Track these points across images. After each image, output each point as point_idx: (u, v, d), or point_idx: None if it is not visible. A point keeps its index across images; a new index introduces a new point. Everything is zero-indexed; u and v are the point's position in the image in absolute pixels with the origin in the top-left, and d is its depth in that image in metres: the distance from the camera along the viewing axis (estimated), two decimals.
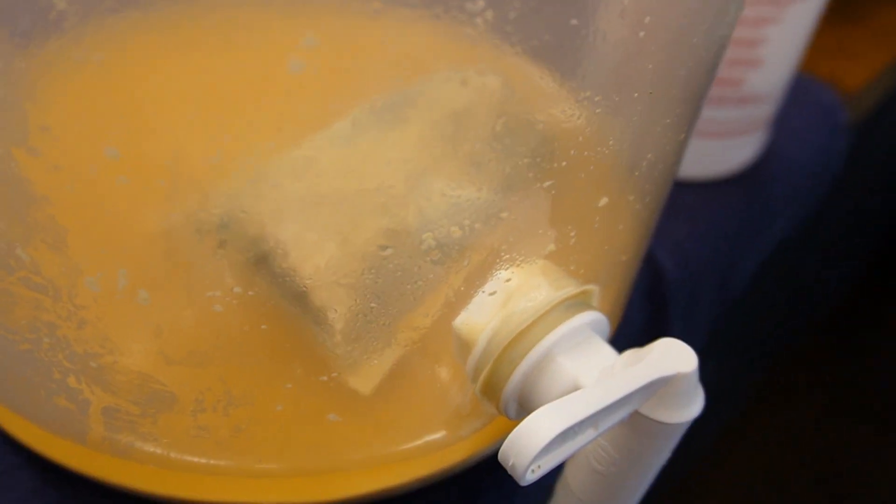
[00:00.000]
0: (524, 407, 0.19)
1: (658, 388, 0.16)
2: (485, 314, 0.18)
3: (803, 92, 0.38)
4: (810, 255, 0.61)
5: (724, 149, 0.32)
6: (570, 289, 0.18)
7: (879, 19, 0.46)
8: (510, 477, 0.22)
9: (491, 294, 0.18)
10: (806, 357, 1.09)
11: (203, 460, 0.18)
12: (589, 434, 0.15)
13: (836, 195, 0.55)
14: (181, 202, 0.14)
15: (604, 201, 0.17)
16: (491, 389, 0.18)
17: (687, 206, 0.32)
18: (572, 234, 0.17)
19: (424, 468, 0.20)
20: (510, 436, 0.14)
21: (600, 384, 0.15)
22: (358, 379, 0.20)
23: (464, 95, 0.19)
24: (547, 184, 0.18)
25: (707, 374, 0.52)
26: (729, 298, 0.36)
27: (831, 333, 1.12)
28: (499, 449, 0.21)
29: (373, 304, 0.20)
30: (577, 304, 0.18)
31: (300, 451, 0.18)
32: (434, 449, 0.20)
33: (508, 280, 0.18)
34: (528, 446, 0.14)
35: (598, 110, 0.17)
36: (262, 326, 0.17)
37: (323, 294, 0.20)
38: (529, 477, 0.14)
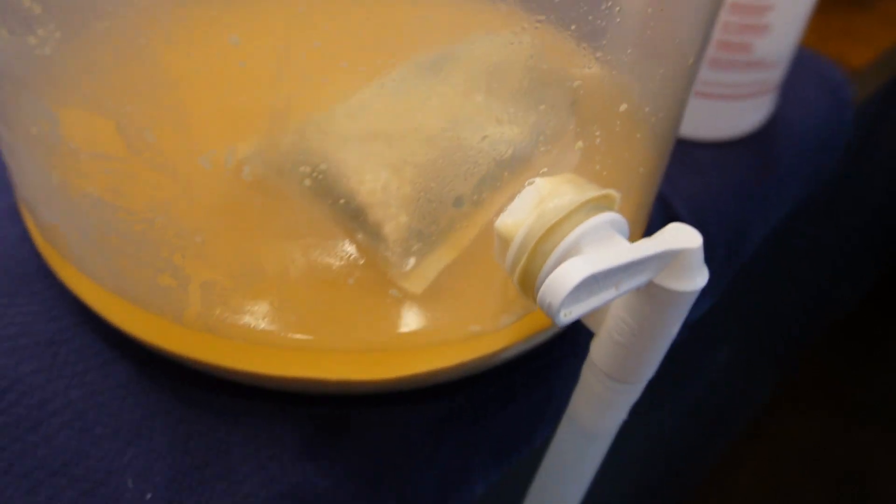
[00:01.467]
0: None
1: (668, 260, 0.19)
2: (520, 215, 0.21)
3: (810, 67, 0.41)
4: (822, 235, 0.63)
5: (734, 111, 0.35)
6: (594, 192, 0.21)
7: (885, 4, 0.49)
8: (542, 372, 0.25)
9: (526, 199, 0.22)
10: (823, 360, 1.11)
11: (284, 334, 0.21)
12: (610, 293, 0.18)
13: (846, 179, 0.57)
14: (286, 88, 0.17)
15: (623, 107, 0.20)
16: (526, 280, 0.22)
17: (701, 163, 0.35)
18: (597, 133, 0.20)
19: (469, 353, 0.23)
20: (547, 280, 0.17)
21: (621, 251, 0.18)
22: (410, 281, 0.23)
23: (498, 53, 0.22)
24: (572, 102, 0.22)
25: (724, 358, 0.55)
26: (740, 256, 0.38)
27: (850, 337, 1.13)
28: (533, 342, 0.24)
29: (421, 221, 0.23)
30: (600, 206, 0.21)
31: (365, 328, 0.22)
32: (477, 337, 0.23)
33: (541, 187, 0.21)
34: (561, 287, 0.17)
35: (613, 68, 0.21)
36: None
37: (378, 212, 0.23)
38: (563, 319, 0.17)
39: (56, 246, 0.23)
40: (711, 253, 0.35)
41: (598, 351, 0.21)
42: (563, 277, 0.17)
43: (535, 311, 0.24)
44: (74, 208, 0.20)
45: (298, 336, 0.21)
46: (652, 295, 0.19)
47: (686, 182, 0.34)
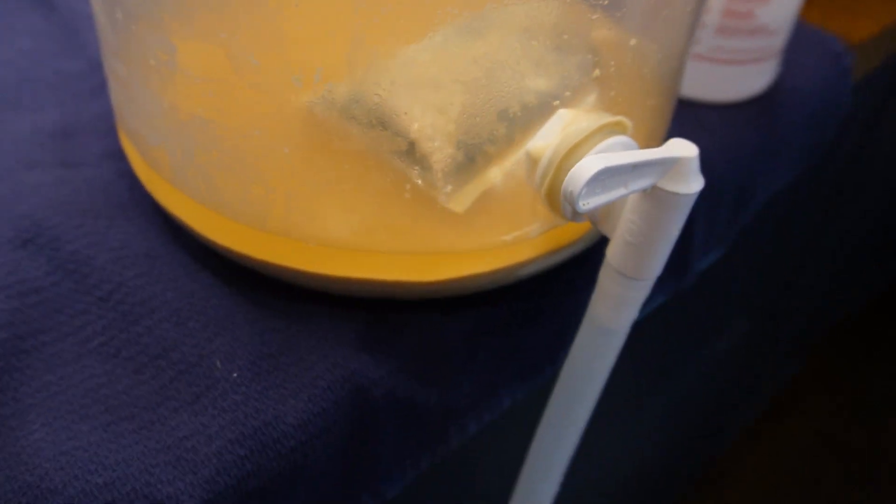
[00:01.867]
0: (576, 209, 0.26)
1: (669, 166, 0.23)
2: (547, 139, 0.25)
3: (811, 39, 0.45)
4: (834, 221, 0.66)
5: (739, 75, 0.39)
6: (609, 119, 0.25)
7: None
8: (563, 297, 0.29)
9: (552, 126, 0.26)
10: (836, 352, 1.12)
11: (350, 238, 0.25)
12: (620, 190, 0.22)
13: (856, 157, 0.61)
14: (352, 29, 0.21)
15: (633, 41, 0.24)
16: (552, 193, 0.26)
17: (708, 123, 0.39)
18: (612, 63, 0.24)
19: (503, 260, 0.27)
20: (569, 173, 0.21)
21: (629, 154, 0.22)
22: (453, 203, 0.27)
23: (529, 18, 0.27)
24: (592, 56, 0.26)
25: (740, 332, 0.58)
26: (748, 208, 0.42)
27: (855, 337, 1.15)
28: (557, 258, 0.28)
29: (462, 154, 0.27)
30: (615, 131, 0.26)
31: (416, 236, 0.26)
32: (510, 246, 0.27)
33: (564, 116, 0.26)
34: (581, 177, 0.21)
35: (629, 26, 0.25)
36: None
37: (425, 146, 0.27)
38: (582, 206, 0.21)
39: (157, 168, 0.27)
40: (720, 200, 0.39)
41: (613, 252, 0.25)
42: (583, 169, 0.21)
43: (559, 225, 0.28)
44: (181, 129, 0.24)
45: (362, 241, 0.25)
46: (656, 197, 0.23)
47: (695, 138, 0.38)
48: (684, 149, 0.23)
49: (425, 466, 0.31)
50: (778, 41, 0.39)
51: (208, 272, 0.29)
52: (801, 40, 0.45)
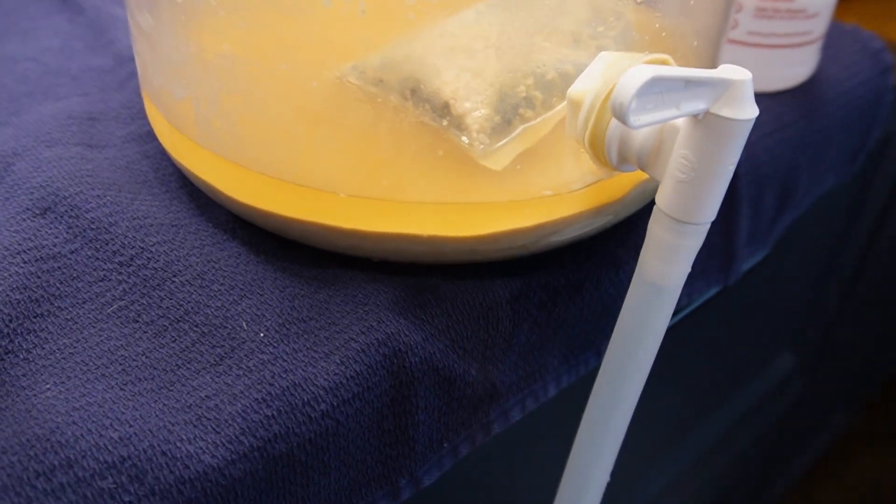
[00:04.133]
0: (622, 152, 0.24)
1: (722, 90, 0.21)
2: (588, 82, 0.24)
3: (850, 36, 0.44)
4: (868, 229, 0.64)
5: (779, 60, 0.38)
6: (652, 55, 0.24)
7: None
8: (607, 271, 0.27)
9: (593, 68, 0.24)
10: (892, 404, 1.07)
11: (387, 191, 0.24)
12: (672, 111, 0.21)
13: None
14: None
15: (667, 21, 0.23)
16: (595, 138, 0.24)
17: None
18: (646, 38, 0.23)
19: (543, 215, 0.25)
20: (617, 85, 0.20)
21: (680, 70, 0.20)
22: (491, 161, 0.26)
23: None
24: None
25: (785, 369, 0.56)
26: (793, 205, 0.40)
27: None
28: (599, 221, 0.26)
29: (498, 114, 0.26)
30: None
31: (453, 189, 0.24)
32: (551, 200, 0.25)
33: (605, 57, 0.24)
34: (631, 85, 0.19)
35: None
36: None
37: (460, 106, 0.26)
38: (633, 121, 0.20)
39: (182, 127, 0.26)
40: (763, 189, 0.37)
41: (664, 195, 0.23)
42: (633, 76, 0.20)
43: (603, 179, 0.26)
44: (207, 72, 0.23)
45: (395, 191, 0.24)
46: (709, 125, 0.22)
47: None
48: (737, 72, 0.22)
49: (464, 453, 0.28)
50: (818, 26, 0.38)
51: (236, 241, 0.27)
52: (840, 37, 0.44)
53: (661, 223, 0.24)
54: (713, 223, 0.33)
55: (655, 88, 0.20)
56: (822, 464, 1.00)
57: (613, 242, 0.30)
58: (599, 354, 0.32)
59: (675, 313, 0.39)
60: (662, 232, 0.24)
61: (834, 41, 0.43)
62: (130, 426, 0.21)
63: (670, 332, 0.27)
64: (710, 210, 0.23)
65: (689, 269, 0.25)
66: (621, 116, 0.20)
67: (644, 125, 0.20)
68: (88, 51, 0.38)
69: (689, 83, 0.21)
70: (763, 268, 0.46)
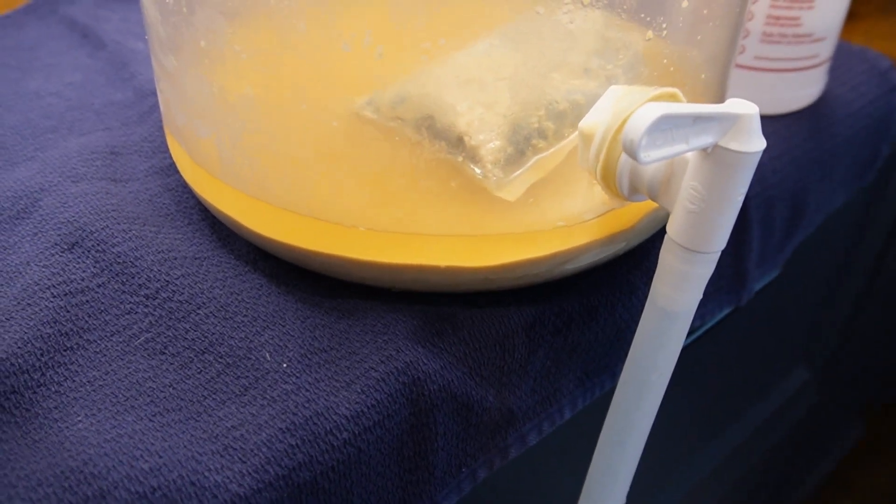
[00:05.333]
0: (634, 183, 0.25)
1: (730, 124, 0.22)
2: (600, 115, 0.25)
3: (857, 56, 0.45)
4: (883, 240, 0.64)
5: (787, 84, 0.39)
6: (661, 90, 0.25)
7: None
8: (620, 297, 0.28)
9: (603, 102, 0.25)
10: None
11: (403, 225, 0.25)
12: (682, 146, 0.21)
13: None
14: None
15: (685, 3, 0.24)
16: (607, 171, 0.25)
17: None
18: (664, 25, 0.24)
19: (557, 245, 0.26)
20: (627, 123, 0.20)
21: (688, 107, 0.21)
22: (504, 192, 0.27)
23: (573, 23, 0.27)
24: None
25: (799, 382, 0.56)
26: (802, 225, 0.41)
27: None
28: (611, 249, 0.27)
29: (511, 146, 0.27)
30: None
31: (467, 222, 0.25)
32: (564, 231, 0.26)
33: (616, 91, 0.25)
34: (642, 123, 0.20)
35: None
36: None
37: (474, 138, 0.27)
38: (644, 157, 0.21)
39: (205, 164, 0.27)
40: (773, 210, 0.38)
41: (674, 225, 0.24)
42: (642, 115, 0.20)
43: (615, 208, 0.27)
44: (230, 112, 0.24)
45: (412, 224, 0.25)
46: (717, 158, 0.22)
47: None
48: (745, 106, 0.22)
49: (482, 477, 0.29)
50: (824, 49, 0.38)
51: (258, 273, 0.28)
52: (847, 57, 0.44)
53: (672, 252, 0.24)
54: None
55: (665, 125, 0.21)
56: (835, 476, 1.00)
57: (626, 268, 0.31)
58: (614, 376, 0.33)
59: (689, 334, 0.40)
60: (674, 260, 0.24)
61: (841, 62, 0.44)
62: (160, 457, 0.22)
63: (684, 351, 0.27)
64: (720, 239, 0.24)
65: (700, 296, 0.25)
66: (632, 153, 0.21)
67: (654, 161, 0.21)
68: (109, 85, 0.39)
69: (697, 119, 0.21)
70: (774, 286, 0.46)
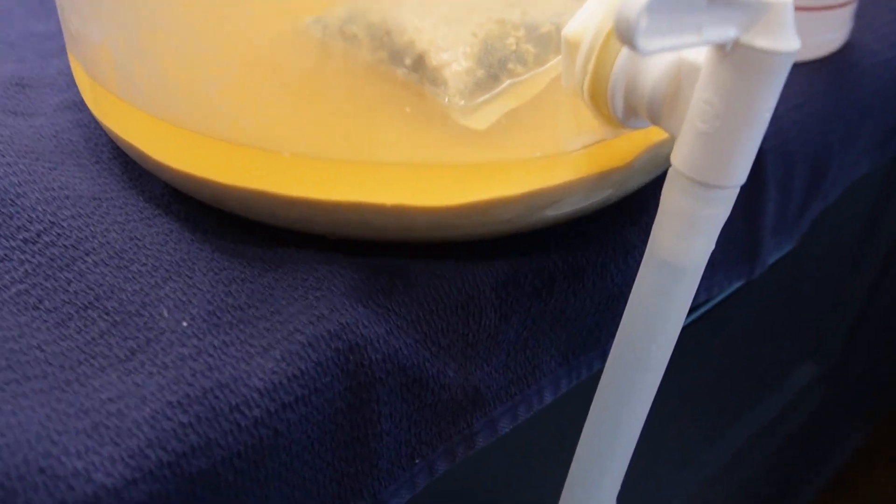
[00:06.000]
0: (629, 101, 0.20)
1: (758, 14, 0.17)
2: (587, 18, 0.20)
3: (885, 2, 0.40)
4: None
5: (812, 25, 0.33)
6: None
7: None
8: (614, 257, 0.22)
9: (590, 4, 0.20)
10: None
11: (340, 150, 0.20)
12: (692, 37, 0.16)
13: None
14: None
15: None
16: (597, 86, 0.20)
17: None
18: None
19: (532, 181, 0.21)
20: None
21: None
22: (472, 120, 0.21)
23: None
24: None
25: (807, 379, 0.51)
26: (821, 195, 0.36)
27: None
28: (599, 194, 0.22)
29: (484, 70, 0.22)
30: None
31: (422, 147, 0.20)
32: (541, 164, 0.21)
33: None
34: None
35: None
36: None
37: (437, 57, 0.22)
38: (642, 44, 0.15)
39: (102, 79, 0.22)
40: (793, 168, 0.32)
41: (681, 152, 0.19)
42: None
43: (603, 140, 0.22)
44: (125, 14, 0.19)
45: (351, 150, 0.20)
46: (739, 59, 0.17)
47: None
48: None
49: (441, 471, 0.24)
50: None
51: (170, 217, 0.23)
52: (874, 3, 0.39)
53: (678, 188, 0.19)
54: (735, 206, 0.28)
55: (671, 4, 0.16)
56: (839, 478, 0.95)
57: (620, 222, 0.25)
58: (605, 356, 0.27)
59: (692, 311, 0.34)
60: (680, 199, 0.19)
61: (867, 9, 0.39)
62: (2, 436, 0.17)
63: (686, 332, 0.22)
64: (739, 169, 0.19)
65: (712, 246, 0.20)
66: (628, 37, 0.16)
67: (656, 51, 0.16)
68: (32, 16, 0.34)
69: (714, 1, 0.16)
70: (788, 264, 0.41)
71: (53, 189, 0.23)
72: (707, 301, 0.34)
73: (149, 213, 0.23)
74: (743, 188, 0.19)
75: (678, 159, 0.19)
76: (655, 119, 0.20)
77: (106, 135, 0.26)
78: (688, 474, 0.57)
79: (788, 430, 0.72)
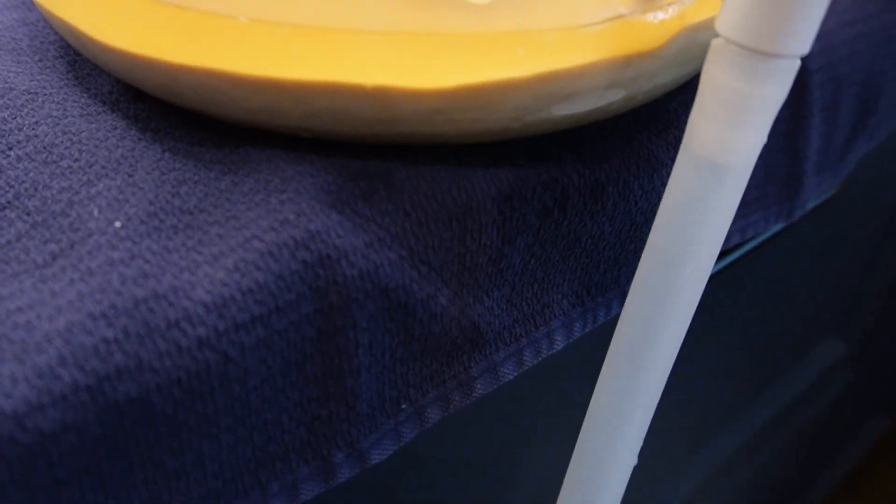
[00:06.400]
0: None
1: None
2: None
3: None
4: None
5: None
6: None
7: None
8: (641, 172, 0.19)
9: None
10: None
11: (310, 20, 0.16)
12: None
13: None
14: None
15: None
16: None
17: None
18: None
19: (540, 63, 0.17)
20: None
21: None
22: None
23: None
24: None
25: (832, 358, 0.46)
26: (869, 124, 0.32)
27: None
28: (623, 67, 0.18)
29: None
30: None
31: (405, 10, 0.16)
32: (550, 42, 0.17)
33: None
34: None
35: None
36: None
37: None
38: None
39: None
40: (840, 93, 0.29)
41: (730, 13, 0.15)
42: None
43: (628, 15, 0.18)
44: None
45: (327, 19, 0.16)
46: None
47: None
48: None
49: (433, 420, 0.20)
50: None
51: (116, 115, 0.20)
52: None
53: (724, 60, 0.16)
54: (776, 132, 0.24)
55: None
56: (857, 470, 0.91)
57: (646, 134, 0.22)
58: (626, 296, 0.24)
59: (721, 256, 0.31)
60: (726, 75, 0.16)
61: None
62: None
63: (713, 282, 0.19)
64: (802, 33, 0.15)
65: (763, 140, 0.16)
66: None
67: None
68: None
69: None
70: (818, 221, 0.38)
71: None
72: (739, 246, 0.31)
73: (92, 111, 0.20)
74: (784, 110, 0.15)
75: (726, 24, 0.15)
76: None
77: (54, 33, 0.23)
78: (699, 461, 0.53)
79: (809, 414, 0.68)
